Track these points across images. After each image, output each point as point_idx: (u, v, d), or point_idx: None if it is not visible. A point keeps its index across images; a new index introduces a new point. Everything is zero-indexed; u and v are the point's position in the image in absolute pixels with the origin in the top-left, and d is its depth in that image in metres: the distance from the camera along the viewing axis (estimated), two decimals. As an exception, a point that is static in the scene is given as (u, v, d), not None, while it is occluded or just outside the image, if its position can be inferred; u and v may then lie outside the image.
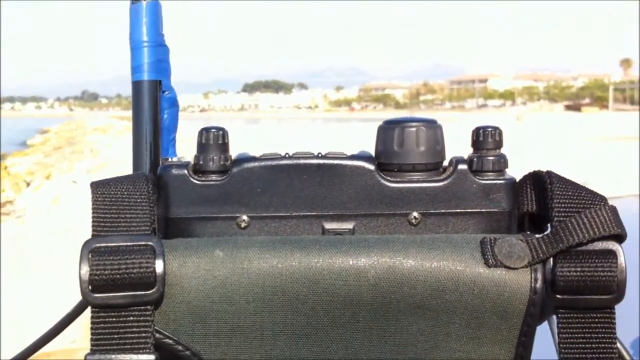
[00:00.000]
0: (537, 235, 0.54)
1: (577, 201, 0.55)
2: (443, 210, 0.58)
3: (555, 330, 0.54)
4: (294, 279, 0.52)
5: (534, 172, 0.59)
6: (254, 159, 0.58)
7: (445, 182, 0.58)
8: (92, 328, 0.51)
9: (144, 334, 0.51)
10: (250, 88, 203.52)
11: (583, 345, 0.53)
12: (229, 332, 0.53)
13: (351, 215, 0.58)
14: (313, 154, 0.59)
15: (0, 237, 7.80)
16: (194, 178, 0.58)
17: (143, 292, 0.51)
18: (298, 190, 0.58)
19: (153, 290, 0.51)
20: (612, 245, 0.53)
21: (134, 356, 0.51)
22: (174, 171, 0.58)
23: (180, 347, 0.53)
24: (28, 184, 14.28)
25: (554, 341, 0.55)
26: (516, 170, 0.61)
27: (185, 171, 0.58)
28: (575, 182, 0.56)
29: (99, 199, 0.54)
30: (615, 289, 0.52)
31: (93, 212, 0.53)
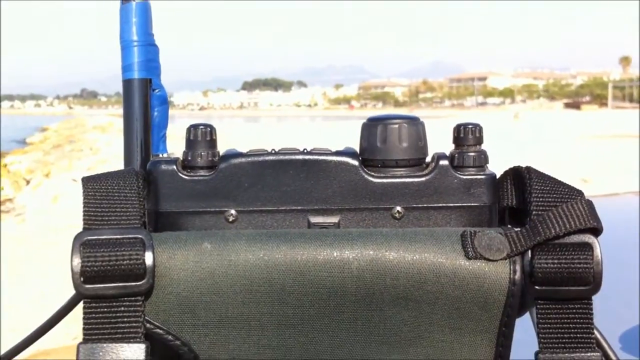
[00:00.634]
0: (516, 229, 0.55)
1: (554, 195, 0.56)
2: (425, 205, 0.60)
3: (536, 321, 0.55)
4: (280, 270, 0.54)
5: (514, 167, 0.60)
6: (241, 154, 0.60)
7: (428, 178, 0.60)
8: (84, 318, 0.52)
9: (134, 324, 0.53)
10: (249, 86, 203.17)
11: (562, 335, 0.54)
12: (218, 322, 0.54)
13: (336, 209, 0.60)
14: (299, 149, 0.60)
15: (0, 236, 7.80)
16: (182, 173, 0.59)
17: (133, 283, 0.52)
18: (284, 185, 0.60)
19: (143, 281, 0.52)
20: (588, 238, 0.55)
21: (126, 345, 0.52)
22: (163, 167, 0.59)
23: (170, 337, 0.54)
24: (28, 182, 14.28)
25: (535, 331, 0.56)
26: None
27: (174, 167, 0.59)
28: (553, 178, 0.58)
29: (90, 194, 0.55)
30: (592, 281, 0.54)
31: (84, 206, 0.54)
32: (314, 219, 0.60)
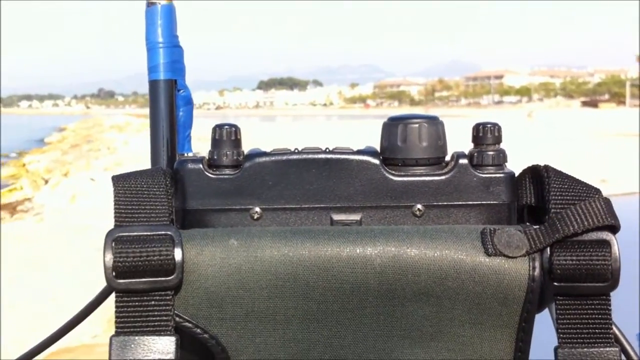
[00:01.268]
0: (535, 227, 0.56)
1: (572, 193, 0.57)
2: (445, 203, 0.61)
3: (555, 316, 0.56)
4: (304, 266, 0.55)
5: (533, 166, 0.61)
6: (265, 154, 0.61)
7: (447, 176, 0.61)
8: (116, 312, 0.54)
9: (164, 317, 0.54)
10: (265, 85, 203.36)
11: (581, 330, 0.55)
12: (244, 316, 0.56)
13: (358, 207, 0.61)
14: (321, 149, 0.62)
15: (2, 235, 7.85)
16: (208, 172, 0.61)
17: (163, 278, 0.54)
18: (307, 184, 0.61)
19: (172, 276, 0.54)
20: (606, 235, 0.55)
21: (157, 338, 0.54)
22: (190, 165, 0.61)
23: (198, 330, 0.56)
24: (46, 182, 14.38)
25: (554, 327, 0.57)
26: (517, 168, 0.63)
27: (201, 165, 0.61)
28: (571, 176, 0.59)
29: (121, 192, 0.57)
30: (610, 277, 0.55)
31: (115, 204, 0.56)
32: (337, 217, 0.61)
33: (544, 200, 0.58)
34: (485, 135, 0.61)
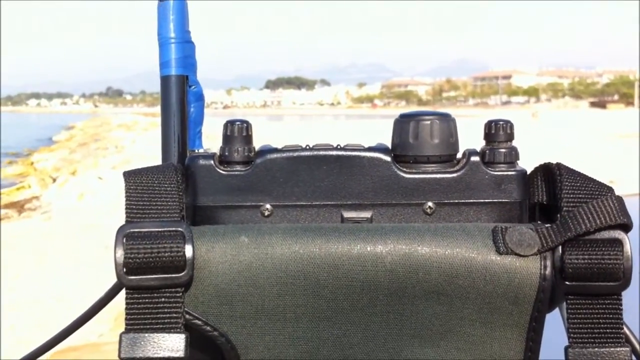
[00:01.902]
0: (546, 225, 0.56)
1: (585, 192, 0.57)
2: (456, 201, 0.61)
3: (565, 316, 0.56)
4: (315, 264, 0.55)
5: (545, 164, 0.61)
6: (276, 150, 0.61)
7: (459, 174, 0.61)
8: (126, 308, 0.54)
9: (175, 314, 0.54)
10: (272, 84, 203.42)
11: (591, 330, 0.55)
12: (254, 314, 0.56)
13: (369, 204, 0.61)
14: (332, 145, 0.61)
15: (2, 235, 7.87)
16: (219, 168, 0.61)
17: (174, 275, 0.54)
18: (318, 181, 0.61)
19: (183, 273, 0.54)
20: (618, 234, 0.55)
21: (166, 335, 0.54)
22: (201, 162, 0.61)
23: (208, 328, 0.56)
24: (54, 180, 14.41)
25: (564, 326, 0.57)
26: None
27: (212, 162, 0.61)
28: (583, 174, 0.58)
29: (132, 187, 0.57)
30: (622, 276, 0.54)
31: (126, 200, 0.56)
32: (347, 214, 0.61)
33: (555, 199, 0.58)
34: (498, 133, 0.61)
